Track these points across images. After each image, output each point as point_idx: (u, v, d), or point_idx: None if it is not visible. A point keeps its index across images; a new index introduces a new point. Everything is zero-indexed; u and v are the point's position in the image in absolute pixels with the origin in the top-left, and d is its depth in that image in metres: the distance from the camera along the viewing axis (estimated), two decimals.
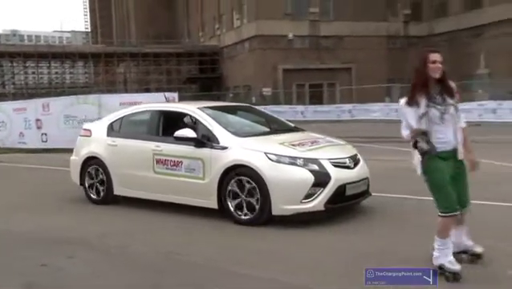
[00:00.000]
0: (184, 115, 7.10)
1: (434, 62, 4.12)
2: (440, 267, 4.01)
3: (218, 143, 6.22)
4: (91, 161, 7.55)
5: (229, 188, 6.00)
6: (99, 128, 7.77)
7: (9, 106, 18.42)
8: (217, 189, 6.11)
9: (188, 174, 6.41)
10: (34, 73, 52.45)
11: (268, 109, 18.32)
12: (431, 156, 3.98)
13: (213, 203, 6.20)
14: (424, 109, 4.03)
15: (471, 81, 34.08)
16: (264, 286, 4.18)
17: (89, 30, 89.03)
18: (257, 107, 9.96)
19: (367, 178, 6.32)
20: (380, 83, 36.57)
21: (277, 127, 7.48)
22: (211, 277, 4.40)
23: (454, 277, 3.94)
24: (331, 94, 40.03)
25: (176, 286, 4.26)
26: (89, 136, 7.82)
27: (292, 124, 7.70)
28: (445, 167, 4.02)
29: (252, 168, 5.86)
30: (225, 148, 6.16)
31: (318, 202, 5.72)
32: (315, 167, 5.81)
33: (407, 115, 4.11)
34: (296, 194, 5.72)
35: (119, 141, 7.29)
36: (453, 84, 4.25)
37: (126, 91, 39.63)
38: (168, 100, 16.27)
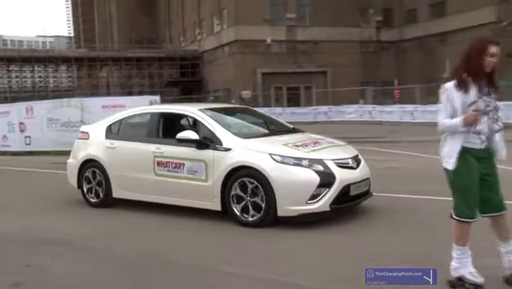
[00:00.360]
0: (186, 116, 6.97)
1: (492, 55, 3.55)
2: (460, 279, 3.66)
3: (221, 144, 6.01)
4: (89, 164, 7.27)
5: (233, 189, 5.80)
6: (97, 131, 7.48)
7: None
8: (220, 191, 5.91)
9: (191, 176, 6.18)
10: (17, 77, 51.47)
11: None
12: (463, 152, 3.57)
13: (216, 205, 5.99)
14: (474, 97, 3.56)
15: (438, 84, 34.56)
16: (249, 284, 4.15)
17: (72, 35, 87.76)
18: None
19: (368, 178, 6.18)
20: (354, 85, 36.90)
21: (277, 128, 7.29)
22: (192, 275, 4.38)
23: None
24: (308, 96, 40.21)
25: (155, 284, 4.22)
26: (87, 139, 7.52)
27: (291, 125, 7.50)
28: (476, 167, 3.58)
29: (257, 170, 5.66)
30: (228, 149, 5.94)
31: (323, 203, 5.55)
32: (320, 167, 5.63)
33: (455, 99, 3.61)
34: (302, 195, 5.53)
35: (118, 144, 7.04)
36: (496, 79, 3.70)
37: (109, 95, 39.13)
38: (152, 104, 16.23)
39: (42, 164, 12.90)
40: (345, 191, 5.68)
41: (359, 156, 6.25)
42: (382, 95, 34.87)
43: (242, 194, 5.75)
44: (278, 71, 39.29)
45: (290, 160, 5.66)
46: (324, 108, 31.94)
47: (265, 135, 6.75)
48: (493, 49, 3.55)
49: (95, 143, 7.34)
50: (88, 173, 7.26)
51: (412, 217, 6.06)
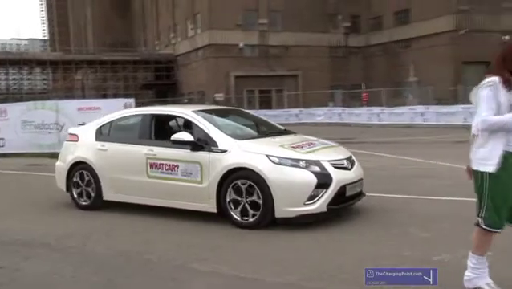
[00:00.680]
0: (179, 118, 6.73)
1: None
2: None
3: (217, 146, 5.81)
4: (79, 166, 6.95)
5: (230, 191, 5.62)
6: (86, 133, 7.17)
7: None
8: (216, 193, 5.71)
9: (185, 178, 5.96)
10: None
11: None
12: (505, 156, 3.25)
13: (211, 207, 5.80)
14: None
15: (403, 88, 35.34)
16: (223, 281, 4.13)
17: (47, 37, 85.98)
18: None
19: (362, 179, 6.06)
20: (324, 89, 37.31)
21: (269, 129, 7.10)
22: (165, 273, 4.33)
23: None
24: (280, 99, 40.40)
25: (131, 283, 4.17)
26: (76, 141, 7.19)
27: (283, 127, 7.30)
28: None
29: (254, 171, 5.48)
30: (224, 151, 5.76)
31: (320, 204, 5.42)
32: (317, 169, 5.49)
33: (501, 96, 3.27)
34: (299, 196, 5.39)
35: (109, 146, 6.75)
36: None
37: (84, 97, 38.50)
38: (126, 107, 16.04)
39: (16, 166, 12.59)
40: (341, 192, 5.58)
41: (353, 157, 6.15)
42: (350, 98, 35.35)
43: (239, 194, 5.57)
44: (251, 75, 39.38)
45: (287, 161, 5.52)
46: (295, 111, 32.18)
47: (259, 136, 6.54)
48: None
49: (84, 145, 7.03)
50: (78, 176, 6.95)
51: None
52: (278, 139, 6.38)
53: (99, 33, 55.93)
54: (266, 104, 38.19)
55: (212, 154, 5.80)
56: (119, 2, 55.84)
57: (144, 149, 6.33)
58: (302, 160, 5.55)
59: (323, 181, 5.44)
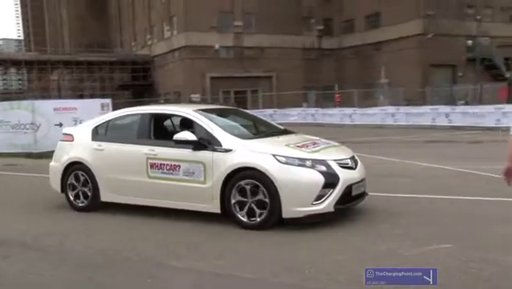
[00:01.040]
0: (180, 117, 6.47)
1: None
2: None
3: (220, 145, 5.60)
4: (74, 167, 6.65)
5: (234, 193, 5.42)
6: (82, 133, 6.87)
7: None
8: (220, 193, 5.51)
9: (187, 178, 5.73)
10: None
11: None
12: None
13: (215, 207, 5.59)
14: None
15: (374, 89, 35.87)
16: (199, 278, 4.13)
17: (22, 38, 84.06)
18: None
19: (365, 179, 5.89)
20: (298, 90, 37.54)
21: (270, 129, 6.86)
22: (144, 270, 4.31)
23: None
24: (254, 100, 40.47)
25: (108, 280, 4.14)
26: (71, 141, 6.87)
27: (282, 127, 7.08)
28: None
29: (260, 171, 5.28)
30: (228, 150, 5.54)
31: (328, 204, 5.26)
32: (324, 168, 5.33)
33: None
34: (307, 196, 5.23)
35: (107, 145, 6.46)
36: None
37: (60, 98, 37.73)
38: (103, 107, 15.83)
39: None
40: (347, 191, 5.44)
41: (356, 157, 6.01)
42: (323, 98, 35.64)
43: (244, 194, 5.38)
44: (226, 76, 39.34)
45: (294, 160, 5.34)
46: (270, 111, 32.26)
47: (262, 136, 6.30)
48: None
49: (80, 145, 6.72)
50: (73, 177, 6.66)
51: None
52: (282, 138, 6.21)
53: (75, 34, 55.00)
54: (241, 105, 37.96)
55: (215, 154, 5.59)
56: (96, 3, 55.03)
57: (143, 149, 6.07)
58: (308, 159, 5.39)
59: (330, 180, 5.30)
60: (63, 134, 7.22)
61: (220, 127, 5.87)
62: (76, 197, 6.67)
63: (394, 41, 37.72)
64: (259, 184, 5.31)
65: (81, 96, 39.78)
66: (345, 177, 5.42)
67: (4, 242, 5.28)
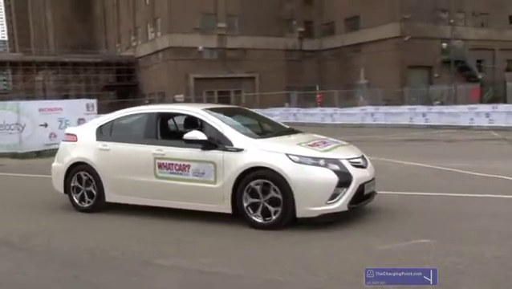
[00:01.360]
0: (188, 117, 6.14)
1: None
2: None
3: (231, 145, 5.40)
4: (78, 167, 6.38)
5: (246, 191, 5.23)
6: (86, 133, 6.59)
7: None
8: (231, 193, 5.32)
9: (197, 178, 5.52)
10: None
11: None
12: None
13: (226, 208, 5.40)
14: None
15: (354, 89, 36.16)
16: (184, 276, 4.10)
17: (6, 39, 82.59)
18: None
19: (375, 177, 5.74)
20: (280, 90, 37.63)
21: (278, 128, 6.61)
22: (130, 269, 4.26)
23: None
24: (238, 100, 40.43)
25: (95, 279, 4.08)
26: (75, 141, 6.58)
27: (288, 126, 6.83)
28: None
29: (274, 170, 5.11)
30: (240, 150, 5.35)
31: (342, 203, 5.12)
32: (337, 167, 5.18)
33: None
34: (321, 195, 5.07)
35: (112, 145, 6.19)
36: None
37: (45, 98, 37.15)
38: (89, 107, 15.64)
39: None
40: (360, 190, 5.29)
41: (365, 156, 5.83)
42: (305, 98, 35.81)
43: (256, 194, 5.21)
44: (210, 77, 39.29)
45: (307, 160, 5.17)
46: (253, 111, 32.21)
47: (272, 135, 6.08)
48: None
49: (84, 145, 6.44)
50: (77, 177, 6.39)
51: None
52: (292, 137, 6.02)
53: (60, 35, 54.22)
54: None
55: (226, 153, 5.40)
56: (80, 5, 54.36)
57: (151, 149, 5.84)
58: (322, 158, 5.23)
59: (344, 179, 5.15)
60: (66, 134, 6.93)
61: (230, 126, 5.68)
62: (81, 198, 6.40)
63: (373, 43, 38.11)
64: (271, 182, 5.14)
65: (66, 97, 39.21)
66: (358, 175, 5.29)
67: None
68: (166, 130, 6.28)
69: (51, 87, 47.17)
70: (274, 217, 5.15)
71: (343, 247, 4.62)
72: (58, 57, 45.52)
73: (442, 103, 27.79)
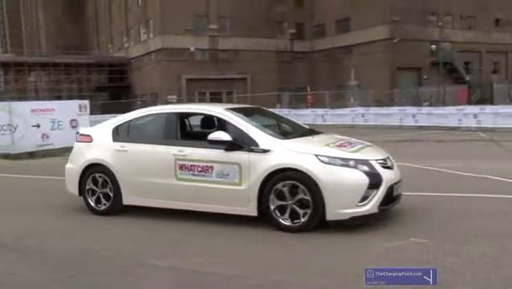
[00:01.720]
0: (210, 117, 5.98)
1: None
2: None
3: (257, 146, 5.21)
4: (94, 169, 6.15)
5: (273, 193, 5.06)
6: (101, 133, 6.34)
7: None
8: (257, 196, 5.13)
9: (221, 180, 5.32)
10: None
11: None
12: None
13: (251, 210, 5.20)
14: None
15: (345, 90, 36.30)
16: (179, 275, 4.09)
17: None
18: None
19: (402, 179, 5.56)
20: (271, 91, 37.64)
21: (300, 128, 6.39)
22: (125, 268, 4.24)
23: None
24: (230, 101, 40.35)
25: (90, 279, 4.06)
26: (90, 142, 6.33)
27: (307, 126, 6.64)
28: None
29: (303, 172, 4.93)
30: (266, 151, 5.16)
31: (372, 205, 4.96)
32: (367, 168, 5.01)
33: None
34: (352, 197, 4.90)
35: (130, 146, 5.97)
36: None
37: (38, 99, 36.80)
38: (81, 108, 15.53)
39: None
40: (389, 192, 5.12)
41: (390, 157, 5.64)
42: (296, 99, 35.88)
43: (284, 202, 5.04)
44: (202, 78, 39.23)
45: (336, 161, 5.00)
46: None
47: (296, 135, 5.84)
48: None
49: (100, 146, 6.21)
50: (93, 179, 6.16)
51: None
52: (316, 138, 5.82)
53: (52, 36, 53.78)
54: None
55: (252, 154, 5.20)
56: (72, 6, 53.97)
57: (172, 150, 5.63)
58: (351, 159, 5.06)
59: (374, 180, 4.99)
60: (80, 135, 6.65)
61: (255, 126, 5.49)
62: (97, 201, 6.16)
63: (363, 45, 38.28)
64: (301, 185, 4.97)
65: (58, 98, 38.88)
66: (387, 177, 5.13)
67: None
68: (186, 130, 6.11)
69: (43, 88, 46.77)
70: (302, 220, 4.99)
71: (340, 248, 4.63)
72: (51, 58, 45.15)
73: (431, 105, 27.97)
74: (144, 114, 6.36)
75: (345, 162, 5.01)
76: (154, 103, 35.33)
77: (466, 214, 5.70)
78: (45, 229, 5.65)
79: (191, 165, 5.52)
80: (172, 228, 5.48)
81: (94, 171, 6.16)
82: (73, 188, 6.39)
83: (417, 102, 29.55)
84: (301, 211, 5.00)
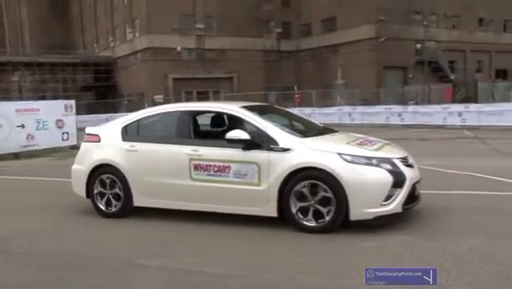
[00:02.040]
0: (225, 115, 5.82)
1: None
2: None
3: (277, 144, 5.05)
4: (102, 169, 5.92)
5: (294, 193, 4.91)
6: (110, 133, 6.11)
7: None
8: (277, 196, 4.99)
9: (238, 180, 5.15)
10: None
11: None
12: None
13: (271, 211, 5.05)
14: None
15: (331, 89, 36.47)
16: (169, 275, 4.07)
17: None
18: None
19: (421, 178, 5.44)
20: (258, 90, 37.63)
21: (316, 127, 6.21)
22: (114, 269, 4.22)
23: None
24: (217, 100, 40.35)
25: (78, 279, 4.03)
26: (98, 142, 6.10)
27: (321, 124, 6.48)
28: None
29: (326, 171, 4.78)
30: (286, 149, 5.00)
31: (396, 204, 4.82)
32: (390, 167, 4.89)
33: None
34: (376, 197, 4.77)
35: (140, 146, 5.75)
36: None
37: (22, 99, 36.31)
38: (67, 108, 15.37)
39: None
40: (412, 191, 5.01)
41: (409, 155, 5.49)
42: (283, 99, 35.88)
43: (306, 196, 4.90)
44: (189, 77, 39.08)
45: (360, 159, 4.87)
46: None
47: (315, 133, 5.65)
48: None
49: (109, 146, 5.99)
50: (101, 180, 5.94)
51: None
52: (335, 136, 5.68)
53: (36, 35, 53.05)
54: None
55: (272, 153, 5.04)
56: (57, 5, 53.30)
57: (185, 149, 5.44)
58: (374, 157, 4.94)
59: (398, 179, 4.86)
60: (87, 134, 6.37)
61: (273, 124, 5.32)
62: (106, 202, 5.95)
63: (349, 44, 38.50)
64: (323, 184, 4.82)
65: (43, 98, 38.35)
66: (410, 175, 5.01)
67: None
68: (198, 129, 5.98)
69: (28, 88, 46.11)
70: (327, 218, 4.85)
71: (331, 245, 4.65)
72: (35, 57, 44.56)
73: (417, 103, 28.24)
74: (154, 112, 6.17)
75: (368, 161, 4.89)
76: (141, 103, 35.17)
77: (451, 211, 5.76)
78: (32, 230, 5.58)
79: (206, 165, 5.34)
80: (167, 228, 5.43)
81: (102, 172, 5.95)
82: (80, 190, 6.16)
83: (403, 100, 29.80)
84: (324, 210, 4.86)
